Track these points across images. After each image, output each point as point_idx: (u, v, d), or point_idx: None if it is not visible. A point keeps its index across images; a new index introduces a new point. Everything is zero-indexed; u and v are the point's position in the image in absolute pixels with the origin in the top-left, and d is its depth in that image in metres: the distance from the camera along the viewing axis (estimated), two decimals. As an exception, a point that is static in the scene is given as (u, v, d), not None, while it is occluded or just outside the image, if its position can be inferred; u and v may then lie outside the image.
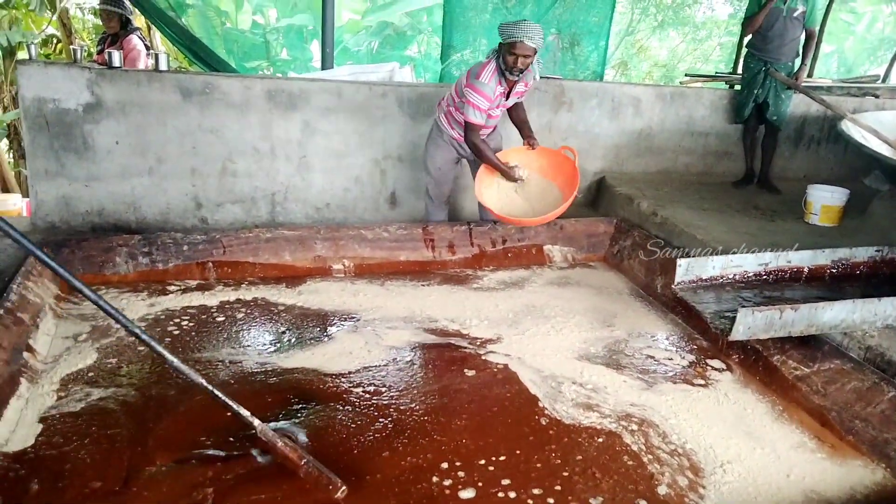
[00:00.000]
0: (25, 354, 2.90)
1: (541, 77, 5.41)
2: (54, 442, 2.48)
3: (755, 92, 5.63)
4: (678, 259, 3.86)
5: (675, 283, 3.86)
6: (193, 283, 3.92)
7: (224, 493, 2.25)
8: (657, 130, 5.85)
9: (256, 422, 2.30)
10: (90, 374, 2.92)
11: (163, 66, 4.44)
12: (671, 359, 3.46)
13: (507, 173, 4.38)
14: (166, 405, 2.73)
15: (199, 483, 2.29)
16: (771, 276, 4.01)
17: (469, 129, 4.13)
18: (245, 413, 2.29)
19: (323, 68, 6.09)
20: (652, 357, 3.46)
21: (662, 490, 2.42)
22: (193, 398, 2.76)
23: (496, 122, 4.39)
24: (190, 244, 3.99)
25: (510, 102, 4.33)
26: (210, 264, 4.01)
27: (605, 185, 5.62)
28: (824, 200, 5.02)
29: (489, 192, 4.46)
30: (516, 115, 4.51)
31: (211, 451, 2.46)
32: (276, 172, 4.84)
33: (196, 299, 3.71)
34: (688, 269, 3.85)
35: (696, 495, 2.41)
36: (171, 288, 3.83)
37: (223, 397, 2.28)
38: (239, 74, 5.66)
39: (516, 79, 4.14)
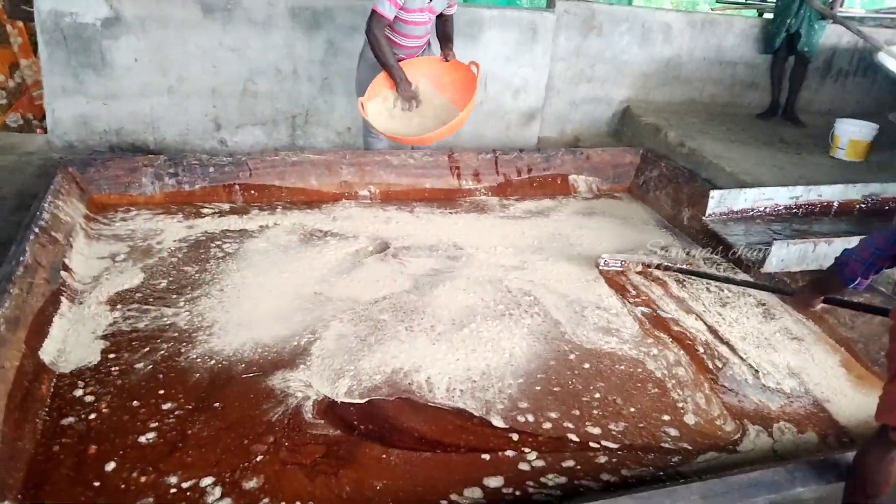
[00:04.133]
0: (63, 274, 2.90)
1: (570, -1, 5.25)
2: (123, 359, 2.53)
3: (788, 21, 5.45)
4: (711, 190, 3.83)
5: (706, 215, 3.85)
6: (226, 206, 3.90)
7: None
8: (686, 59, 5.70)
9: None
10: (139, 295, 2.94)
11: (183, -21, 4.27)
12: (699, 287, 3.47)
13: (400, 84, 3.87)
14: (228, 329, 2.77)
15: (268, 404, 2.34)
16: (801, 210, 3.99)
17: (371, 18, 3.66)
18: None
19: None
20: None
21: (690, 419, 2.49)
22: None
23: (424, 31, 3.97)
24: (216, 166, 3.94)
25: (436, 5, 3.89)
26: (237, 187, 3.97)
27: (631, 114, 5.52)
28: (852, 135, 4.94)
29: (374, 104, 3.97)
30: (441, 28, 4.09)
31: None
32: (299, 94, 4.73)
33: (234, 223, 3.70)
34: (720, 201, 3.83)
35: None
36: (206, 210, 3.81)
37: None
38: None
39: None
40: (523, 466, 2.20)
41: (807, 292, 2.47)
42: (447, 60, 4.08)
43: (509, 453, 2.24)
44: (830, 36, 5.87)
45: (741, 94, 6.04)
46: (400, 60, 3.92)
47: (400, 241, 3.67)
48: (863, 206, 4.05)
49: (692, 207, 4.06)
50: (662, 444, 2.36)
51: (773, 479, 2.06)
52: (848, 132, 4.96)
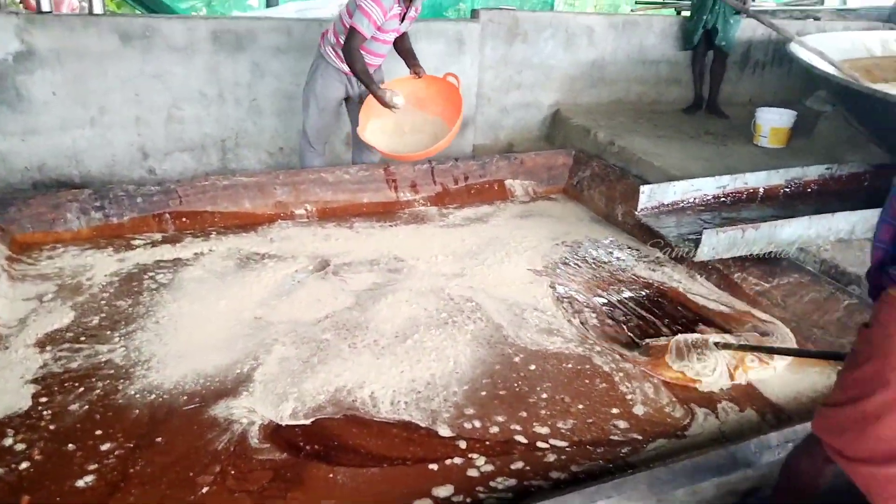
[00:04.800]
0: (-15, 319, 2.78)
1: (494, 8, 5.33)
2: (56, 402, 2.44)
3: (704, 18, 5.64)
4: (641, 186, 3.93)
5: (638, 210, 3.94)
6: (158, 236, 3.79)
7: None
8: (610, 60, 5.85)
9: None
10: (70, 334, 2.84)
11: (97, 9, 4.18)
12: (638, 276, 3.55)
13: (378, 95, 3.94)
14: (166, 362, 2.69)
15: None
16: (728, 198, 4.12)
17: (351, 36, 3.71)
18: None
19: (268, 6, 5.82)
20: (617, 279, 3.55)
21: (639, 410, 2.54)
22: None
23: (387, 50, 4.07)
24: (144, 196, 3.84)
25: (403, 27, 4.03)
26: (167, 215, 3.88)
27: (561, 117, 5.63)
28: (772, 123, 5.15)
29: (372, 128, 4.19)
30: (402, 45, 4.21)
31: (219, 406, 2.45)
32: (226, 118, 4.66)
33: (167, 252, 3.60)
34: (650, 195, 3.93)
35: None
36: (137, 242, 3.70)
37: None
38: (181, 15, 5.39)
39: (411, 1, 3.91)
40: (472, 473, 2.20)
41: None
42: (419, 76, 4.22)
43: (457, 461, 2.24)
44: (746, 29, 6.11)
45: (665, 90, 6.23)
46: None
47: (340, 257, 3.64)
48: (787, 190, 4.21)
49: (625, 203, 4.15)
50: (612, 437, 2.40)
51: (718, 463, 2.10)
52: (768, 120, 5.16)
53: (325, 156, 4.48)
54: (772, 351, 2.76)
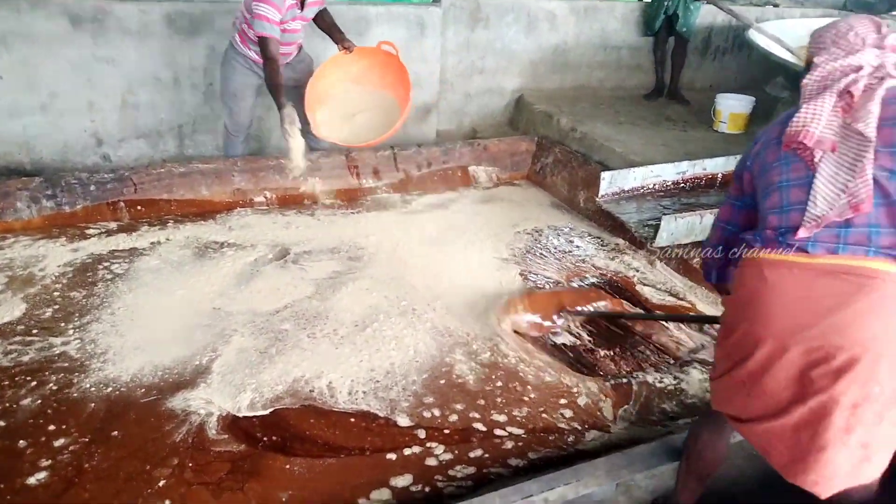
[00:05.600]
0: (-70, 312, 2.70)
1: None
2: (6, 397, 2.38)
3: (665, 4, 5.68)
4: (602, 172, 3.96)
5: (599, 196, 3.97)
6: (113, 224, 3.70)
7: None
8: (572, 45, 5.86)
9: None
10: (21, 327, 2.77)
11: (44, -11, 4.02)
12: (597, 266, 3.58)
13: (281, 114, 3.64)
14: (123, 354, 2.65)
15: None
16: (688, 184, 4.18)
17: (263, 44, 3.55)
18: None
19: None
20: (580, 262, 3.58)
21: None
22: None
23: (298, 38, 3.87)
24: (97, 183, 3.74)
25: (308, 14, 3.84)
26: (122, 204, 3.79)
27: (524, 103, 5.63)
28: (732, 109, 5.22)
29: (322, 120, 4.01)
30: (322, 23, 4.00)
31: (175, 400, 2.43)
32: (182, 103, 4.55)
33: (123, 242, 3.52)
34: (611, 182, 3.96)
35: (632, 393, 2.57)
36: (91, 231, 3.61)
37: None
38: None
39: None
40: (430, 462, 2.21)
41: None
42: (350, 51, 3.99)
43: (416, 450, 2.25)
44: (706, 16, 6.17)
45: (627, 76, 6.27)
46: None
47: (300, 245, 3.60)
48: (743, 175, 4.27)
49: (587, 189, 4.18)
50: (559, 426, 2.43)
51: (674, 447, 2.15)
52: (728, 106, 5.23)
53: (250, 143, 4.33)
54: (623, 317, 3.04)
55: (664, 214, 3.55)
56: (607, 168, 4.16)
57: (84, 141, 4.38)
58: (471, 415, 2.43)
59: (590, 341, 2.92)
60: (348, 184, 4.37)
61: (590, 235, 3.91)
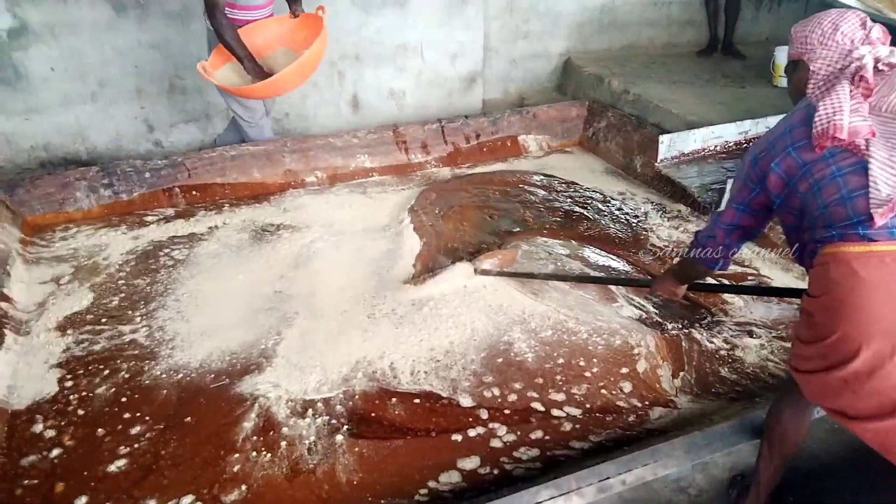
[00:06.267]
0: (3, 305, 2.76)
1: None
2: (82, 386, 2.43)
3: (716, -47, 5.42)
4: (660, 135, 3.82)
5: (658, 161, 3.84)
6: (170, 211, 3.74)
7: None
8: (620, 3, 5.63)
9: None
10: (90, 316, 2.82)
11: (88, -22, 4.02)
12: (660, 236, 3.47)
13: (252, 68, 3.40)
14: (191, 340, 2.68)
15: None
16: (751, 144, 4.00)
17: (209, 6, 3.24)
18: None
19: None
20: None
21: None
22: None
23: (262, 1, 3.59)
24: (152, 170, 3.77)
25: None
26: (177, 190, 3.82)
27: (572, 66, 5.46)
28: (792, 61, 4.97)
29: (225, 70, 3.59)
30: None
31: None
32: (230, 85, 4.54)
33: (181, 227, 3.55)
34: (670, 145, 3.82)
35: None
36: (149, 218, 3.65)
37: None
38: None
39: None
40: (495, 443, 2.18)
41: (668, 282, 2.22)
42: (296, 16, 3.70)
43: (480, 431, 2.23)
44: (759, -37, 5.88)
45: (679, 33, 6.02)
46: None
47: (354, 224, 3.58)
48: (809, 132, 4.08)
49: (644, 154, 4.05)
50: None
51: (753, 425, 2.07)
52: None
53: (269, 123, 4.05)
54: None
55: (728, 178, 3.41)
56: (664, 131, 4.02)
57: (136, 128, 4.42)
58: (528, 394, 2.40)
59: (656, 312, 2.83)
60: (397, 160, 4.32)
61: (650, 203, 3.79)
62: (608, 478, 1.93)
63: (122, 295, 2.96)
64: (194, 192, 3.86)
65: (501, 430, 2.23)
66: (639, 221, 3.58)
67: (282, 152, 4.05)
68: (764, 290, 2.66)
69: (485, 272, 2.96)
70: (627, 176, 4.16)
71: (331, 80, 4.80)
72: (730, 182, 3.30)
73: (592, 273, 3.04)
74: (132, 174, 3.73)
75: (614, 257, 3.19)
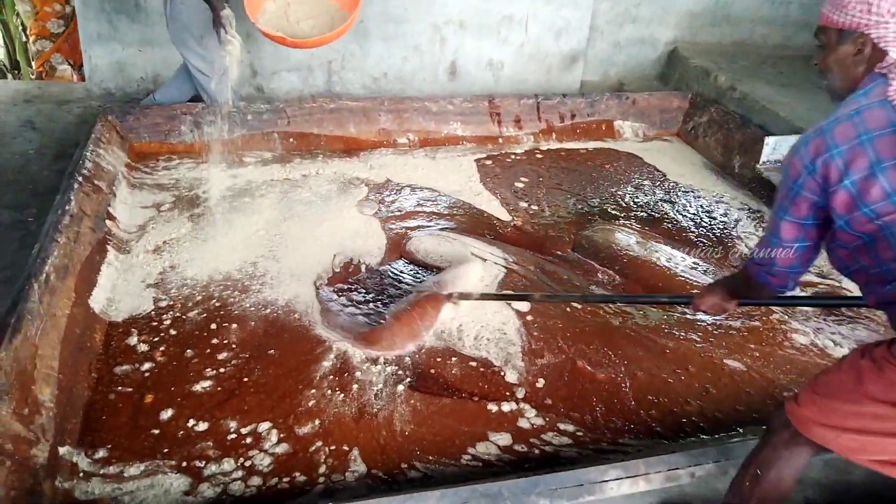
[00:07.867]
0: (108, 223, 2.90)
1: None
2: (176, 308, 2.54)
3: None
4: (765, 137, 3.68)
5: (760, 163, 3.70)
6: (268, 154, 3.84)
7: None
8: (737, -3, 5.42)
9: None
10: (187, 244, 2.94)
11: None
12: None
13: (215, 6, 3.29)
14: (280, 279, 2.77)
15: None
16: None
17: None
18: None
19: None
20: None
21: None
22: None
23: None
24: (255, 114, 3.88)
25: None
26: (275, 135, 3.92)
27: (678, 57, 5.29)
28: (915, 76, 4.69)
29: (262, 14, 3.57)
30: None
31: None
32: (334, 38, 4.60)
33: (277, 172, 3.65)
34: (775, 148, 3.68)
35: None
36: (248, 159, 3.77)
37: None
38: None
39: None
40: (523, 424, 2.21)
41: (717, 296, 1.86)
42: None
43: (512, 407, 2.27)
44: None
45: (794, 34, 5.74)
46: None
47: (426, 192, 3.59)
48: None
49: (744, 154, 3.91)
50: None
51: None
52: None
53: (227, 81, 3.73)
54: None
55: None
56: (768, 133, 3.86)
57: (241, 71, 4.52)
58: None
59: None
60: (489, 131, 4.31)
61: (747, 208, 3.66)
62: (677, 468, 1.91)
63: (219, 228, 3.06)
64: (291, 140, 3.95)
65: (531, 412, 2.24)
66: (728, 227, 3.47)
67: (378, 111, 4.10)
68: (825, 302, 2.49)
69: (463, 296, 2.58)
70: (724, 175, 4.03)
71: (432, 45, 4.80)
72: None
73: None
74: (235, 115, 3.84)
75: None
